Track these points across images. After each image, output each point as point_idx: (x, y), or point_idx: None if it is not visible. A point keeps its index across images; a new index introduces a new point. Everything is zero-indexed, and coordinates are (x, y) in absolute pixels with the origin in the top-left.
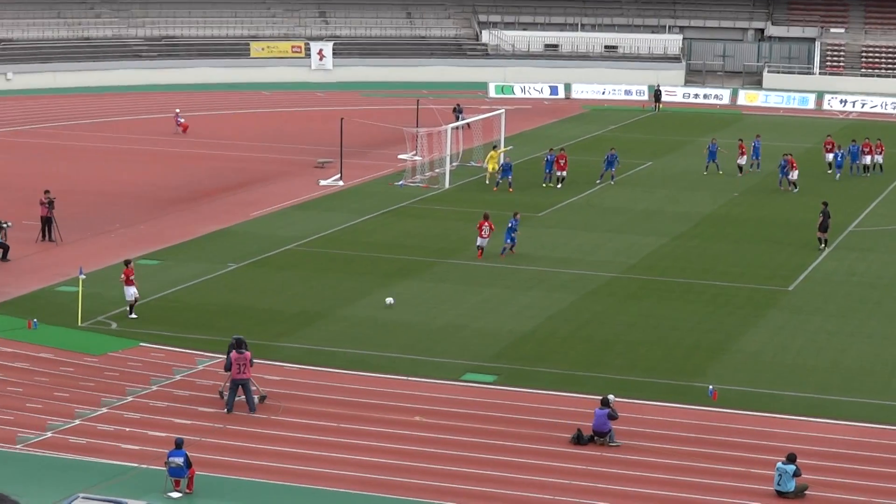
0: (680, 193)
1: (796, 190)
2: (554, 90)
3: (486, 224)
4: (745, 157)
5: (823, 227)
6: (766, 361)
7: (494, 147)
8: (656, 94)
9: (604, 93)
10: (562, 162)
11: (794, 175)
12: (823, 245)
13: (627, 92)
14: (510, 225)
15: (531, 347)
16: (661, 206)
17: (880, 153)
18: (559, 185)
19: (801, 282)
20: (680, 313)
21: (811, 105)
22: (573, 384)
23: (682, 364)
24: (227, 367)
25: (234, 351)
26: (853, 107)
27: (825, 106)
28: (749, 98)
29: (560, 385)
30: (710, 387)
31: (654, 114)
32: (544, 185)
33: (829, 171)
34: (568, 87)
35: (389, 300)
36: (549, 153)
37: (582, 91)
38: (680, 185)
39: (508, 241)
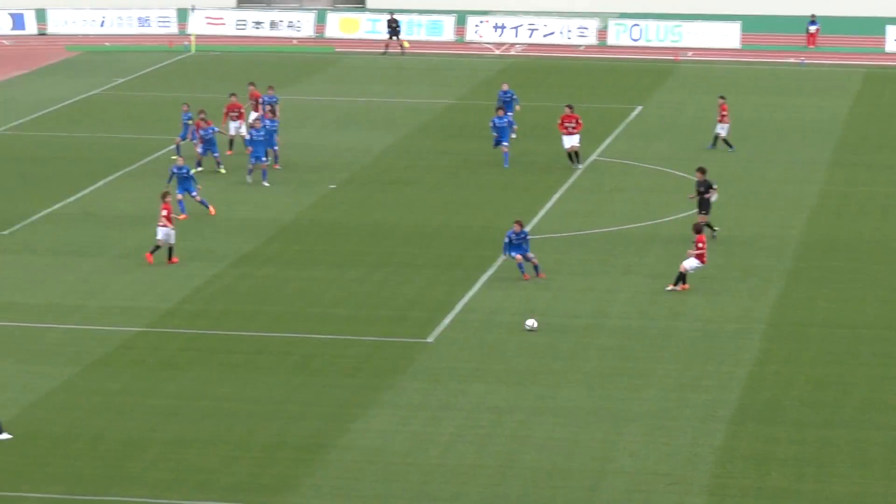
0: (239, 189)
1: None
2: (19, 22)
3: None
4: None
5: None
6: (396, 462)
7: None
8: (392, 26)
9: (103, 24)
10: None
11: None
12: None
13: (143, 21)
14: None
15: None
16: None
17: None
18: None
19: (448, 327)
20: (250, 389)
21: (448, 35)
22: None
23: (260, 473)
24: None
25: None
26: (516, 36)
27: (471, 35)
28: (345, 27)
29: None
30: None
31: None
32: None
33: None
34: (42, 16)
35: (532, 323)
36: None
37: (65, 22)
38: (241, 173)
39: None
